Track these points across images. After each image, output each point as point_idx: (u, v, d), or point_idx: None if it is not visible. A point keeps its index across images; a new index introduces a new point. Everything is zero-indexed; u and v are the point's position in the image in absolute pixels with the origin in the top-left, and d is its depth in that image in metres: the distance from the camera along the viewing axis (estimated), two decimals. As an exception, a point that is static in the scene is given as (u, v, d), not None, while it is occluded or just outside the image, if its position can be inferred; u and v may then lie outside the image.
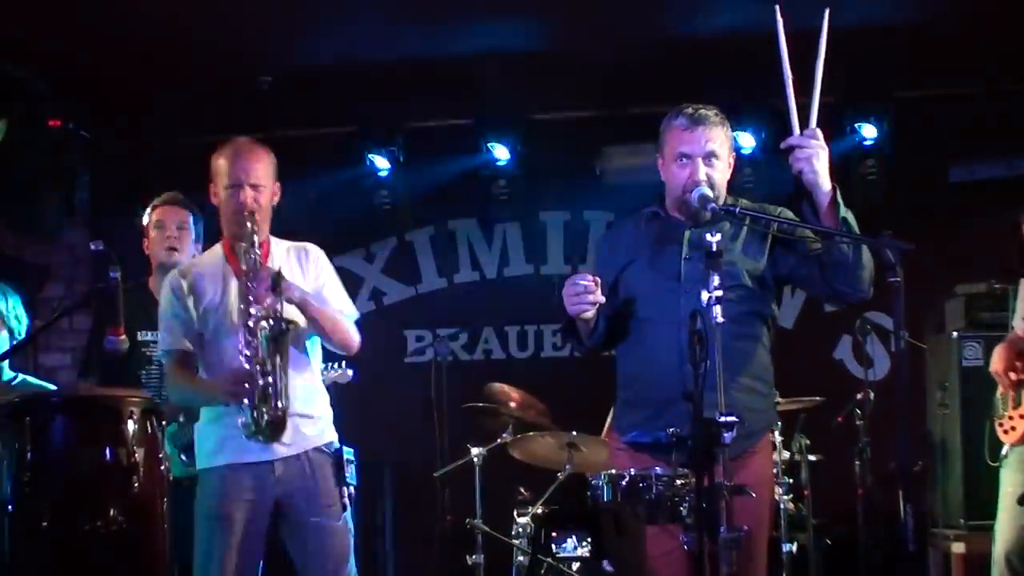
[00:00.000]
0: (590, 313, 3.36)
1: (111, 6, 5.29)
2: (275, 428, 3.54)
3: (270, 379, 3.52)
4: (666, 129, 3.54)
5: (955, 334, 5.42)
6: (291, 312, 3.61)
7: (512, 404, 5.53)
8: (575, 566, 5.10)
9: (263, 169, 3.71)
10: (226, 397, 3.58)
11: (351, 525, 3.78)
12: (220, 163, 3.73)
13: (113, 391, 3.97)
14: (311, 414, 3.73)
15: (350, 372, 5.11)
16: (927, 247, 3.67)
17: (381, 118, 6.66)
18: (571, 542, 5.20)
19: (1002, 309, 5.11)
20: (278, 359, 3.53)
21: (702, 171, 3.44)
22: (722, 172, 3.50)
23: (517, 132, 6.67)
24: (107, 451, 3.45)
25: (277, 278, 3.53)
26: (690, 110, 3.49)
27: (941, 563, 5.56)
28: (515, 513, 5.30)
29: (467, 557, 5.35)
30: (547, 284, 6.98)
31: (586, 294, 3.29)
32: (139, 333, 4.52)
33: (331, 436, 3.80)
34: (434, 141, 6.81)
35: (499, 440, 5.43)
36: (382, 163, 6.72)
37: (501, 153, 6.67)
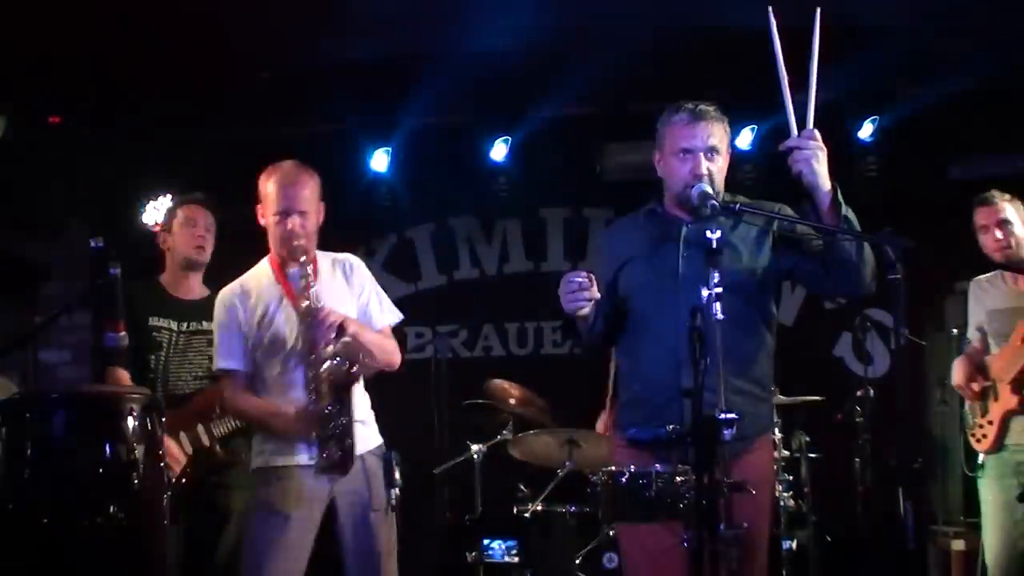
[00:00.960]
0: (586, 310, 3.36)
1: (111, 4, 5.28)
2: (344, 464, 3.71)
3: (340, 420, 3.70)
4: (665, 125, 3.55)
5: (955, 331, 5.41)
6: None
7: (512, 401, 5.53)
8: (575, 563, 5.10)
9: (309, 194, 3.88)
10: (297, 434, 3.75)
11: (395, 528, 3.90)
12: (268, 189, 3.88)
13: (113, 387, 3.97)
14: (361, 418, 3.85)
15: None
16: (927, 245, 3.66)
17: (381, 115, 6.66)
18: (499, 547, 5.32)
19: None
20: (345, 400, 3.71)
21: (704, 165, 3.44)
22: (721, 168, 3.51)
23: (517, 129, 6.67)
24: (107, 447, 3.44)
25: (342, 328, 3.72)
26: (691, 105, 3.50)
27: (941, 560, 5.56)
28: (515, 510, 5.30)
29: (467, 554, 5.36)
30: (546, 280, 7.00)
31: (581, 291, 3.29)
32: (151, 319, 4.55)
33: (378, 439, 3.95)
34: (435, 138, 6.81)
35: (499, 437, 5.44)
36: (382, 160, 6.73)
37: (501, 150, 6.68)
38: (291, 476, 3.75)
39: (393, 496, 3.84)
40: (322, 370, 3.69)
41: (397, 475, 3.84)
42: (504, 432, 5.43)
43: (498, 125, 6.69)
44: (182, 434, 4.38)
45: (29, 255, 6.80)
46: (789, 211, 3.49)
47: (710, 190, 3.40)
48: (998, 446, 4.54)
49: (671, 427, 3.11)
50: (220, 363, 3.90)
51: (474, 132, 6.72)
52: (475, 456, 5.39)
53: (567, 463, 5.19)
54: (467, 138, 6.72)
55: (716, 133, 3.48)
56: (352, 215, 6.69)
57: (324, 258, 3.98)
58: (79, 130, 6.46)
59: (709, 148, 3.46)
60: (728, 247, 3.34)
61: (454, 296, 7.18)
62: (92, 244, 3.94)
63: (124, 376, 4.44)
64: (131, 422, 3.48)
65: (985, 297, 4.75)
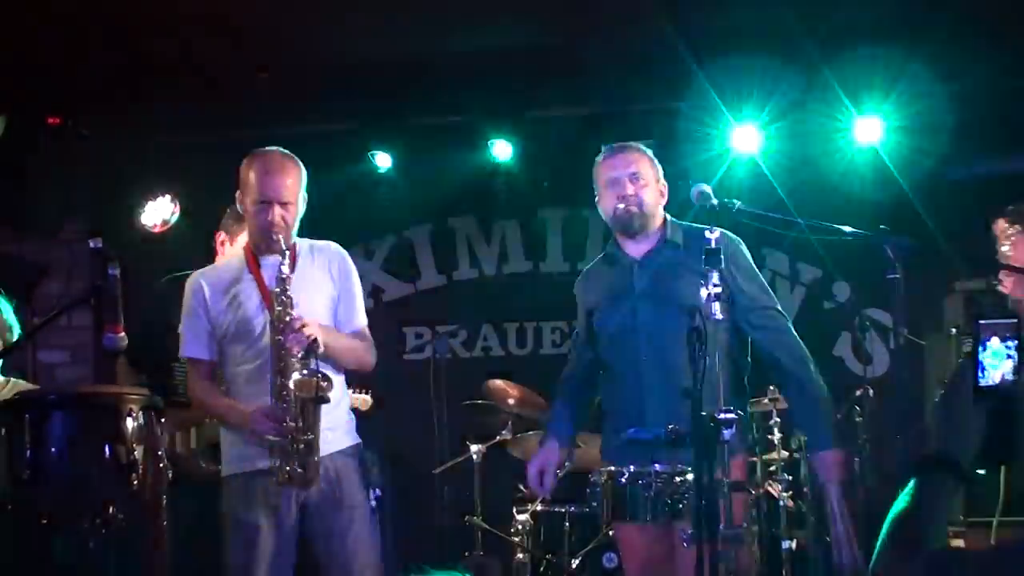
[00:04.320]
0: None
1: (111, 5, 5.28)
2: (305, 479, 3.56)
3: (303, 437, 3.52)
4: (595, 170, 3.83)
5: (954, 331, 5.41)
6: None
7: (511, 401, 5.53)
8: (575, 563, 5.11)
9: (292, 185, 3.71)
10: (253, 432, 3.61)
11: (377, 528, 3.78)
12: (250, 176, 3.73)
13: (112, 388, 3.97)
14: (333, 426, 3.69)
15: (369, 400, 5.15)
16: (926, 244, 3.68)
17: (381, 115, 6.66)
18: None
19: (1002, 306, 5.11)
20: (309, 417, 3.54)
21: (628, 187, 3.67)
22: (649, 194, 3.70)
23: (517, 129, 6.67)
24: (106, 448, 3.44)
25: (312, 347, 3.53)
26: (612, 144, 3.83)
27: (940, 560, 5.55)
28: (514, 510, 5.31)
29: (466, 554, 5.36)
30: (546, 281, 7.01)
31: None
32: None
33: (352, 439, 3.80)
34: (434, 138, 6.80)
35: (498, 437, 5.44)
36: (382, 160, 6.73)
37: (501, 150, 6.67)
38: (255, 482, 3.62)
39: (372, 496, 3.75)
40: (289, 382, 3.53)
41: (376, 473, 3.78)
42: (503, 432, 5.44)
43: (498, 125, 6.68)
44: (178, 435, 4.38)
45: (28, 255, 6.79)
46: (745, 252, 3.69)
47: (709, 189, 3.44)
48: None
49: (671, 426, 3.13)
50: (183, 350, 3.80)
51: (474, 132, 6.71)
52: (475, 456, 5.39)
53: (566, 463, 5.18)
54: (467, 138, 6.71)
55: (638, 161, 3.73)
56: (352, 215, 6.68)
57: (303, 244, 3.83)
58: (78, 130, 6.46)
59: (631, 174, 3.69)
60: (674, 277, 3.58)
61: (453, 296, 7.18)
62: (91, 244, 3.93)
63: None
64: (131, 422, 3.48)
65: None
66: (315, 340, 3.53)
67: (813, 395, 3.61)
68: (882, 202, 6.35)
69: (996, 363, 1.70)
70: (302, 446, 3.52)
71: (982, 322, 1.71)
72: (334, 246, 3.89)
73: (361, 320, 3.86)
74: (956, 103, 6.21)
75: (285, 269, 3.61)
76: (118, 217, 6.44)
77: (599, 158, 3.82)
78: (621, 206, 3.68)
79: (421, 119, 6.71)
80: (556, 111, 6.73)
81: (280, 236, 3.64)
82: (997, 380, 1.69)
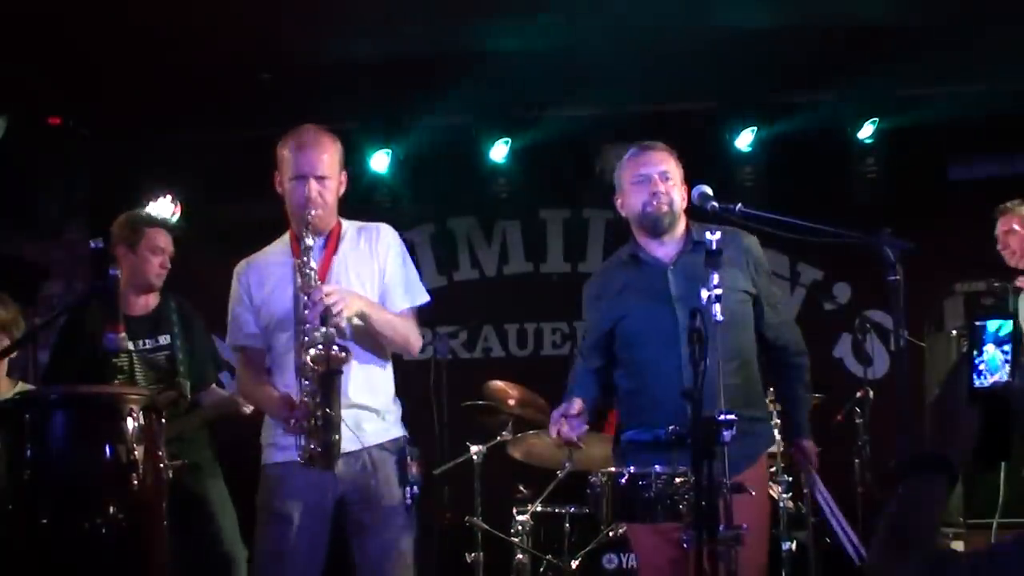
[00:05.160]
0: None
1: (111, 4, 5.28)
2: (326, 459, 3.42)
3: (319, 412, 3.38)
4: (620, 167, 3.77)
5: (954, 332, 5.42)
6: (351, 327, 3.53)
7: (511, 402, 5.53)
8: (575, 564, 5.10)
9: (329, 160, 3.59)
10: (278, 419, 3.55)
11: (411, 526, 3.65)
12: (284, 153, 3.60)
13: (113, 388, 3.97)
14: (374, 407, 3.60)
15: None
16: (926, 245, 3.67)
17: (381, 115, 6.66)
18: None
19: (1001, 307, 5.11)
20: (329, 390, 3.40)
21: (659, 184, 3.63)
22: (680, 194, 3.68)
23: (517, 130, 6.67)
24: (106, 448, 3.44)
25: (327, 314, 3.38)
26: (640, 143, 3.77)
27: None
28: (514, 511, 5.30)
29: (466, 555, 5.36)
30: (546, 281, 7.01)
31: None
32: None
33: (396, 432, 3.67)
34: (435, 138, 6.80)
35: (498, 438, 5.44)
36: (382, 161, 6.72)
37: (501, 151, 6.67)
38: (291, 473, 3.52)
39: (408, 493, 3.59)
40: (307, 357, 3.38)
41: (414, 470, 3.62)
42: (504, 433, 5.43)
43: (498, 125, 6.68)
44: None
45: (29, 255, 6.79)
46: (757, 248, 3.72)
47: (709, 191, 3.44)
48: None
49: (671, 427, 3.13)
50: (229, 339, 3.73)
51: (474, 132, 6.71)
52: (475, 457, 5.38)
53: (566, 464, 5.18)
54: (467, 138, 6.71)
55: (667, 161, 3.70)
56: (352, 215, 6.67)
57: (350, 227, 3.70)
58: (79, 130, 6.46)
59: (661, 172, 3.66)
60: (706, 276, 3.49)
61: (454, 297, 7.17)
62: (92, 244, 3.94)
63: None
64: (131, 422, 3.48)
65: None
66: (328, 308, 3.37)
67: (808, 386, 3.78)
68: (882, 203, 6.35)
69: (992, 365, 1.69)
70: (320, 422, 3.38)
71: (978, 323, 1.71)
72: (384, 227, 3.77)
73: (407, 301, 3.68)
74: (956, 103, 6.22)
75: (309, 241, 3.47)
76: (118, 217, 6.43)
77: (625, 156, 3.77)
78: (653, 203, 3.62)
79: (421, 119, 6.71)
80: (556, 111, 6.73)
81: (317, 212, 3.52)
82: (991, 383, 1.69)
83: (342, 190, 3.66)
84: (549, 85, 6.30)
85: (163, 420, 3.67)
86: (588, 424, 3.72)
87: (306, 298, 3.43)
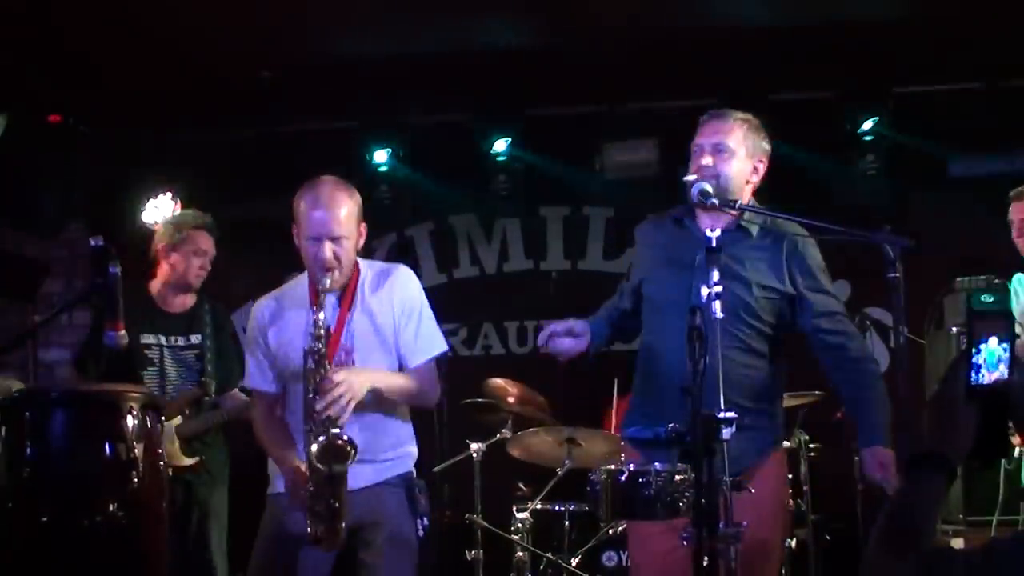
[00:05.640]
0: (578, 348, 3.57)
1: (111, 4, 5.28)
2: (331, 543, 3.36)
3: (329, 502, 3.31)
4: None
5: (954, 329, 5.42)
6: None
7: (511, 400, 5.53)
8: (575, 562, 5.11)
9: (346, 217, 3.44)
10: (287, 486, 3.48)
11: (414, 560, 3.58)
12: (300, 209, 3.47)
13: (112, 386, 3.97)
14: (375, 459, 3.50)
15: None
16: (927, 242, 3.67)
17: (381, 113, 6.66)
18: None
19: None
20: (337, 488, 3.32)
21: (706, 158, 3.49)
22: (735, 168, 3.50)
23: (517, 127, 6.67)
24: (106, 446, 3.45)
25: (332, 420, 3.28)
26: (716, 110, 3.60)
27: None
28: (514, 509, 5.31)
29: (466, 553, 5.36)
30: (546, 279, 7.00)
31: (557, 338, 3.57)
32: (141, 336, 4.62)
33: (401, 469, 3.60)
34: (435, 136, 6.81)
35: (498, 436, 5.44)
36: (382, 158, 6.72)
37: (500, 148, 6.67)
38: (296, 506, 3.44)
39: (420, 527, 3.54)
40: (312, 447, 3.27)
41: (423, 503, 3.56)
42: (503, 431, 5.43)
43: (498, 124, 6.68)
44: None
45: (29, 254, 6.79)
46: (802, 231, 3.53)
47: (709, 188, 3.40)
48: None
49: (671, 425, 3.12)
50: (245, 381, 3.71)
51: (474, 131, 6.71)
52: (474, 455, 5.38)
53: (566, 461, 5.19)
54: (467, 137, 6.71)
55: (728, 131, 3.51)
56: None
57: (368, 272, 3.59)
58: (79, 129, 6.46)
59: (714, 144, 3.50)
60: (740, 263, 3.44)
61: (454, 295, 7.17)
62: (92, 243, 3.92)
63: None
64: (131, 421, 3.48)
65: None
66: (329, 418, 3.28)
67: (875, 389, 3.51)
68: (882, 200, 6.35)
69: (991, 363, 1.69)
70: (326, 511, 3.32)
71: (976, 321, 1.70)
72: (402, 271, 3.65)
73: (423, 355, 3.60)
74: (956, 100, 6.22)
75: (322, 317, 3.36)
76: (118, 216, 6.44)
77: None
78: (692, 177, 3.46)
79: (421, 119, 6.71)
80: (556, 108, 6.73)
81: (332, 274, 3.43)
82: (990, 380, 1.68)
83: (361, 243, 3.55)
84: (549, 82, 6.30)
85: (163, 419, 3.68)
86: (589, 353, 3.73)
87: (313, 386, 3.33)
